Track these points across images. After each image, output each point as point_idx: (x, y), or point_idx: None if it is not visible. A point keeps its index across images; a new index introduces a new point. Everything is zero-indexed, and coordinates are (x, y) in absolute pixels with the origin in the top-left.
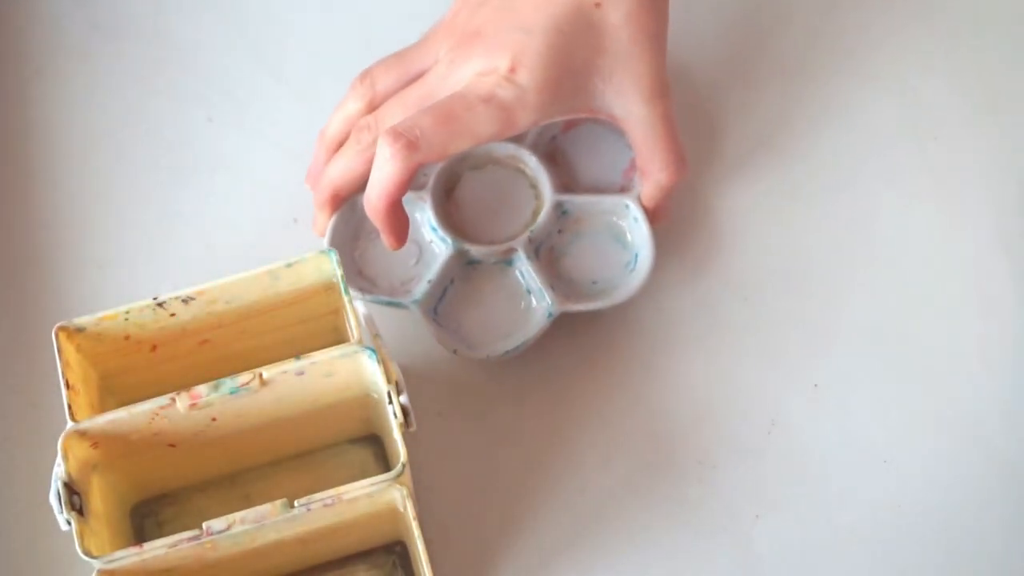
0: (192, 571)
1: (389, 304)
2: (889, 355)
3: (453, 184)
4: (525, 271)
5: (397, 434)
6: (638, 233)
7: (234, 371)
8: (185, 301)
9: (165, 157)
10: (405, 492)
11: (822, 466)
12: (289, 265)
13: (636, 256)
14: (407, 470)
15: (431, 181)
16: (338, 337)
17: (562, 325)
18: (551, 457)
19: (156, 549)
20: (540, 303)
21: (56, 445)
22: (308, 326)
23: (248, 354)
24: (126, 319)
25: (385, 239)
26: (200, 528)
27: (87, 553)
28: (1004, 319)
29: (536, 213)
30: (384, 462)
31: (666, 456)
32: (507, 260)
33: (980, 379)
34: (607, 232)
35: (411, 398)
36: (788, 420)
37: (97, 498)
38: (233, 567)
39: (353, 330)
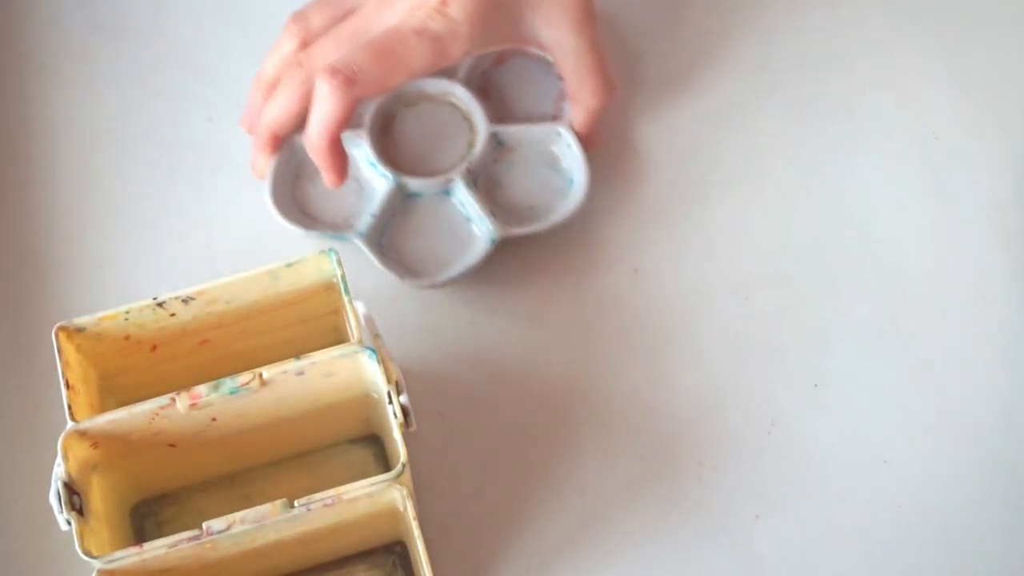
0: (192, 571)
1: (334, 238)
2: (888, 354)
3: (389, 122)
4: (464, 200)
5: (397, 434)
6: (571, 159)
7: (234, 371)
8: (185, 301)
9: (165, 157)
10: (405, 492)
11: (822, 466)
12: (289, 265)
13: (571, 181)
14: (407, 470)
15: (367, 119)
16: (338, 337)
17: (505, 253)
18: (551, 456)
19: (156, 549)
20: (481, 230)
21: (56, 445)
22: (308, 326)
23: (248, 354)
24: (126, 319)
25: (325, 176)
26: (200, 528)
27: (87, 553)
28: (1004, 319)
29: (472, 145)
30: (384, 462)
31: (665, 456)
32: (446, 190)
33: (980, 379)
34: (541, 159)
35: (411, 398)
36: (788, 420)
37: (97, 498)
38: (233, 567)
39: (353, 330)
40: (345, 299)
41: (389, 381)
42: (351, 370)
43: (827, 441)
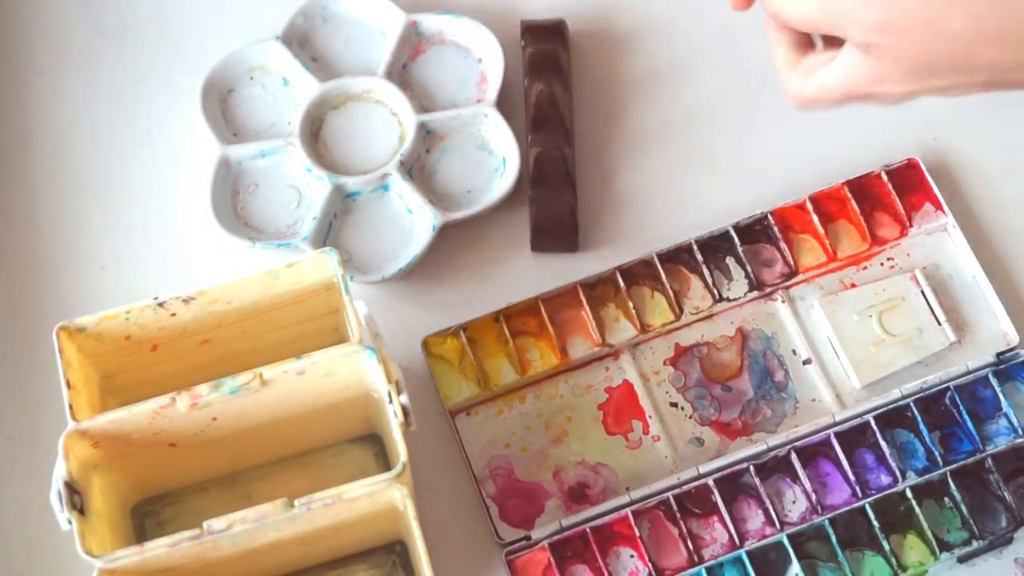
0: (192, 571)
1: (280, 247)
2: None
3: (318, 126)
4: (402, 193)
5: (397, 433)
6: (501, 138)
7: (234, 371)
8: (185, 301)
9: (165, 157)
10: (405, 491)
11: None
12: (289, 265)
13: (504, 160)
14: (407, 469)
15: (297, 127)
16: (338, 337)
17: (446, 238)
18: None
19: (157, 548)
20: (422, 219)
21: (57, 445)
22: (308, 326)
23: (248, 354)
24: (127, 319)
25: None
26: (201, 527)
27: (88, 552)
28: None
29: (402, 138)
30: (384, 462)
31: None
32: (383, 186)
33: None
34: (472, 142)
35: (411, 398)
36: None
37: (98, 497)
38: (233, 567)
39: (353, 330)
40: (345, 299)
41: (389, 381)
42: (351, 370)
43: None
